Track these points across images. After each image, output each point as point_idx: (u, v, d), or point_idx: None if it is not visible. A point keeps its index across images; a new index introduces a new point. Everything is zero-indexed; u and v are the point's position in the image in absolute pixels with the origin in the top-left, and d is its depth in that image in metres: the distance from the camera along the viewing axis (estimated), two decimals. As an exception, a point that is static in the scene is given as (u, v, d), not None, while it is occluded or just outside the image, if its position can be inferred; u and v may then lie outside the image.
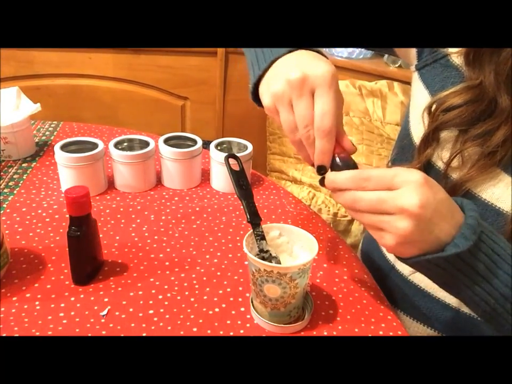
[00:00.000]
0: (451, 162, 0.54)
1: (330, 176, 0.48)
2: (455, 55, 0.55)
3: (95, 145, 0.77)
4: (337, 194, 0.48)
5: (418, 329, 0.65)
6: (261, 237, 0.54)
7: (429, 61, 0.59)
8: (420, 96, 0.60)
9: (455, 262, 0.44)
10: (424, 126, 0.57)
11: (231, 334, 0.52)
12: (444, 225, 0.44)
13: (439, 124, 0.55)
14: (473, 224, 0.44)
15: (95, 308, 0.54)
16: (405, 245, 0.45)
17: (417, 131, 0.59)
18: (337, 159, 0.48)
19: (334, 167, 0.49)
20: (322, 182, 0.49)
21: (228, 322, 0.54)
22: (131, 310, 0.54)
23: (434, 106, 0.55)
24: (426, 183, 0.43)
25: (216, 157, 0.78)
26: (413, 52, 0.61)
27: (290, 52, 0.52)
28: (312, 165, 0.51)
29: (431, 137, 0.56)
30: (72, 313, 0.53)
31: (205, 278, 0.60)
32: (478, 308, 0.48)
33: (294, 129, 0.49)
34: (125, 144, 0.82)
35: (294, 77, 0.47)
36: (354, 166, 0.48)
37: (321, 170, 0.49)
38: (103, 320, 0.52)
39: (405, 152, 0.61)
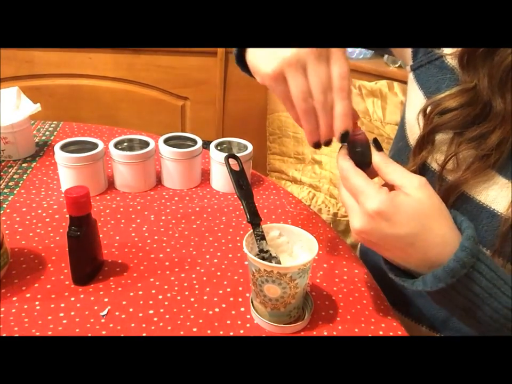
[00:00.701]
0: (446, 164, 0.54)
1: (339, 154, 0.50)
2: (450, 56, 0.55)
3: (95, 145, 0.77)
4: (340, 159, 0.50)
5: (417, 330, 0.65)
6: (261, 237, 0.54)
7: (424, 62, 0.59)
8: (415, 97, 0.60)
9: (429, 294, 0.47)
10: (419, 128, 0.57)
11: (231, 334, 0.52)
12: (401, 254, 0.47)
13: (434, 127, 0.55)
14: (454, 267, 0.44)
15: (95, 308, 0.54)
16: (362, 241, 0.49)
17: (413, 133, 0.59)
18: (352, 138, 0.49)
19: (348, 146, 0.50)
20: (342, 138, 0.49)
21: (228, 322, 0.54)
22: (131, 310, 0.54)
23: (429, 109, 0.55)
24: (379, 214, 0.45)
25: (216, 157, 0.78)
26: (408, 52, 0.61)
27: None
28: (316, 142, 0.50)
29: (426, 140, 0.56)
30: (72, 313, 0.53)
31: (205, 278, 0.60)
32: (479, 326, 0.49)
33: (308, 96, 0.47)
34: (125, 144, 0.82)
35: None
36: (367, 148, 0.49)
37: (345, 137, 0.48)
38: (103, 320, 0.52)
39: (401, 154, 0.62)
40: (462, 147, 0.53)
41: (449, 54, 0.55)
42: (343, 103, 0.47)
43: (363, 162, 0.48)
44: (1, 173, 0.81)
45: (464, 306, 0.46)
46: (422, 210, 0.45)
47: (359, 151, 0.49)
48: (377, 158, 0.49)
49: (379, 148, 0.49)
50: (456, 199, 0.54)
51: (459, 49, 0.53)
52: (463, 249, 0.44)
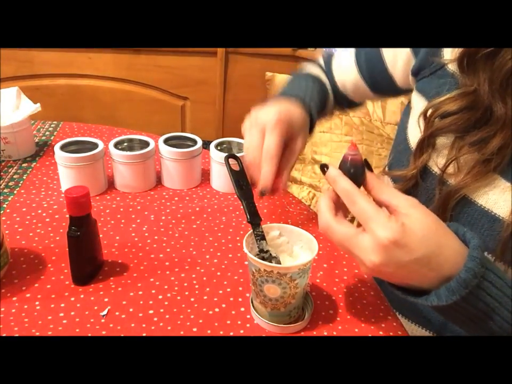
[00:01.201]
0: (446, 168, 0.54)
1: (334, 173, 0.49)
2: (451, 63, 0.55)
3: (95, 145, 0.77)
4: (321, 196, 0.49)
5: (416, 331, 0.65)
6: (261, 237, 0.54)
7: (427, 74, 0.60)
8: (417, 102, 0.61)
9: (441, 309, 0.45)
10: (420, 131, 0.57)
11: (231, 334, 0.52)
12: (418, 277, 0.45)
13: (434, 130, 0.55)
14: (467, 278, 0.43)
15: (95, 308, 0.54)
16: (376, 276, 0.47)
17: (414, 136, 0.59)
18: (349, 158, 0.49)
19: (342, 165, 0.49)
20: (322, 170, 0.50)
21: (228, 322, 0.54)
22: (131, 310, 0.54)
23: (429, 112, 0.55)
24: (395, 243, 0.42)
25: (216, 157, 0.78)
26: (410, 78, 0.64)
27: (281, 95, 0.70)
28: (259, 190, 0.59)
29: (427, 143, 0.56)
30: (72, 313, 0.53)
31: (205, 278, 0.60)
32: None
33: (248, 152, 0.62)
34: (125, 144, 0.82)
35: (253, 115, 0.64)
36: (362, 169, 0.49)
37: (262, 194, 0.59)
38: (103, 320, 0.52)
39: (401, 157, 0.62)
40: (463, 151, 0.53)
41: (450, 60, 0.55)
42: (263, 168, 0.58)
43: (356, 183, 0.48)
44: (1, 173, 0.81)
45: (475, 318, 0.45)
46: (429, 228, 0.44)
47: (353, 172, 0.48)
48: (370, 179, 0.48)
49: (370, 169, 0.49)
50: (457, 203, 0.54)
51: (459, 54, 0.53)
52: (473, 259, 0.43)
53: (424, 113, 0.56)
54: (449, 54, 0.56)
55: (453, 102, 0.53)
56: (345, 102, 0.80)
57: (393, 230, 0.43)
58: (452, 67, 0.56)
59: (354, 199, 0.46)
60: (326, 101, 0.78)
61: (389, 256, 0.43)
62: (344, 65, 0.77)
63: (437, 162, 0.56)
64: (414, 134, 0.59)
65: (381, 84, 0.70)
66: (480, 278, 0.43)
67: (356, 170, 0.48)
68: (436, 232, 0.45)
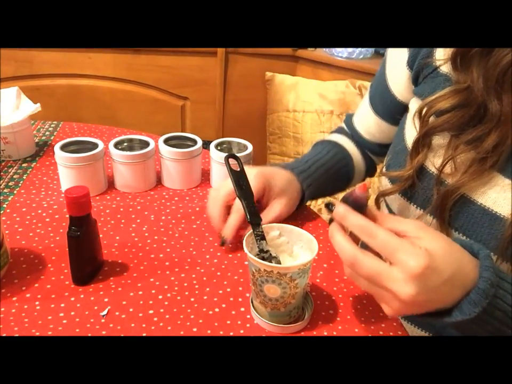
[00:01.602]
0: (443, 168, 0.54)
1: (342, 210, 0.47)
2: (444, 65, 0.56)
3: (95, 145, 0.77)
4: (337, 238, 0.47)
5: (416, 333, 0.65)
6: (261, 237, 0.54)
7: (421, 79, 0.60)
8: (413, 104, 0.62)
9: (465, 323, 0.44)
10: (416, 130, 0.57)
11: (231, 334, 0.52)
12: (448, 297, 0.44)
13: (429, 129, 0.55)
14: (486, 289, 0.42)
15: (95, 308, 0.54)
16: (403, 312, 0.45)
17: (411, 136, 0.59)
18: (358, 198, 0.48)
19: (346, 200, 0.48)
20: (328, 208, 0.49)
21: (228, 322, 0.54)
22: (131, 310, 0.54)
23: (424, 111, 0.55)
24: (428, 268, 0.41)
25: (216, 157, 0.78)
26: (411, 95, 0.64)
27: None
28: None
29: (422, 143, 0.56)
30: (72, 313, 0.53)
31: (205, 278, 0.60)
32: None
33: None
34: (125, 144, 0.82)
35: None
36: (364, 207, 0.48)
37: (223, 242, 0.63)
38: (103, 320, 0.52)
39: (398, 157, 0.61)
40: (459, 150, 0.53)
41: (442, 61, 0.56)
42: (228, 220, 0.63)
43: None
44: (1, 173, 0.81)
45: (492, 329, 0.44)
46: (445, 246, 0.44)
47: (357, 209, 0.47)
48: (369, 210, 0.48)
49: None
50: (456, 202, 0.54)
51: (452, 52, 0.53)
52: (487, 269, 0.43)
53: (419, 112, 0.56)
54: (441, 55, 0.56)
55: (445, 100, 0.53)
56: (378, 149, 0.78)
57: (423, 257, 0.42)
58: (445, 69, 0.56)
59: (374, 232, 0.44)
60: (342, 169, 0.77)
61: (424, 284, 0.42)
62: (362, 113, 0.77)
63: (433, 162, 0.56)
64: (411, 134, 0.60)
65: (398, 114, 0.68)
66: (496, 286, 0.43)
67: (360, 209, 0.48)
68: (451, 249, 0.45)
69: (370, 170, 0.84)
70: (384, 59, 0.70)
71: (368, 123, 0.75)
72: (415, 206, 0.59)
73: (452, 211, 0.54)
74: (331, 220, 0.49)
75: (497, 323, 0.44)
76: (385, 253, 0.44)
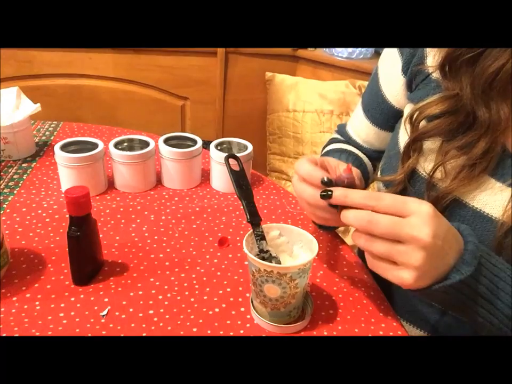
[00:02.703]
0: (433, 173, 0.55)
1: (341, 191, 0.48)
2: (435, 72, 0.56)
3: (95, 145, 0.77)
4: (348, 212, 0.47)
5: (414, 333, 0.65)
6: (261, 237, 0.54)
7: (414, 86, 0.61)
8: (406, 109, 0.62)
9: (459, 287, 0.45)
10: (408, 135, 0.58)
11: (231, 334, 0.52)
12: (452, 252, 0.45)
13: (419, 134, 0.56)
14: (473, 250, 0.45)
15: (95, 308, 0.54)
16: (421, 277, 0.45)
17: (403, 141, 0.60)
18: (345, 181, 0.50)
19: (338, 184, 0.50)
20: (326, 195, 0.49)
21: (228, 322, 0.54)
22: (131, 310, 0.54)
23: (415, 116, 0.56)
24: (435, 214, 0.44)
25: (216, 157, 0.78)
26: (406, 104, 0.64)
27: None
28: None
29: (413, 147, 0.57)
30: (72, 313, 0.53)
31: (205, 278, 0.60)
32: (483, 328, 0.49)
33: None
34: (125, 144, 0.82)
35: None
36: (354, 186, 0.50)
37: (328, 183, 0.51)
38: (103, 320, 0.52)
39: (392, 162, 0.62)
40: (449, 156, 0.53)
41: (433, 68, 0.56)
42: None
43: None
44: (1, 173, 0.81)
45: (481, 297, 0.46)
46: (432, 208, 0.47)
47: None
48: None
49: None
50: (448, 206, 0.55)
51: (441, 59, 0.54)
52: (470, 236, 0.46)
53: (410, 117, 0.57)
54: (432, 62, 0.57)
55: (435, 105, 0.54)
56: (376, 155, 0.77)
57: (428, 204, 0.45)
58: (436, 75, 0.57)
59: (380, 196, 0.46)
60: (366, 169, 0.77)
61: (437, 225, 0.44)
62: (359, 125, 0.75)
63: (424, 167, 0.57)
64: (403, 139, 0.60)
65: (396, 122, 0.68)
66: (480, 251, 0.46)
67: (352, 188, 0.50)
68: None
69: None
70: (375, 72, 0.70)
71: (366, 133, 0.74)
72: None
73: (444, 214, 0.54)
74: (324, 196, 0.50)
75: (484, 291, 0.46)
76: (397, 207, 0.45)
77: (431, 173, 0.55)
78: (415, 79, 0.61)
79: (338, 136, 0.82)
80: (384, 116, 0.70)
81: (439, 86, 0.56)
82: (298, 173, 0.54)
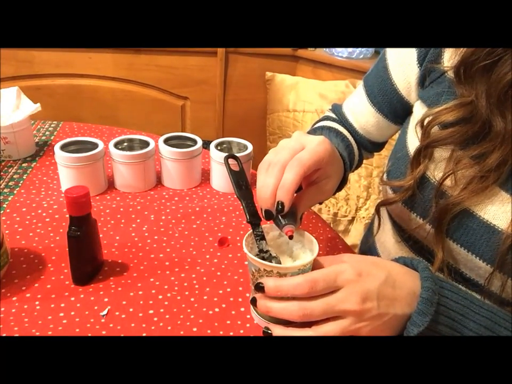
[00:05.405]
0: (443, 182, 0.53)
1: (272, 284, 0.47)
2: (450, 71, 0.54)
3: (95, 145, 0.77)
4: (277, 305, 0.47)
5: None
6: (260, 237, 0.54)
7: (427, 83, 0.59)
8: (417, 109, 0.60)
9: (423, 332, 0.45)
10: (418, 139, 0.56)
11: (231, 334, 0.52)
12: (403, 298, 0.46)
13: (431, 141, 0.54)
14: (429, 297, 0.44)
15: (95, 308, 0.54)
16: (374, 332, 0.46)
17: (412, 144, 0.59)
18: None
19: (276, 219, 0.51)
20: (254, 301, 0.49)
21: (228, 322, 0.54)
22: (131, 310, 0.54)
23: (426, 121, 0.54)
24: (366, 271, 0.46)
25: (216, 157, 0.78)
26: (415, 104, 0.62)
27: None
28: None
29: (424, 154, 0.55)
30: (72, 313, 0.53)
31: (205, 278, 0.60)
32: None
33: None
34: (125, 144, 0.82)
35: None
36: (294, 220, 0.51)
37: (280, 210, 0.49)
38: (103, 320, 0.52)
39: (399, 164, 0.61)
40: (460, 165, 0.52)
41: (449, 68, 0.55)
42: (285, 177, 0.48)
43: None
44: (1, 173, 0.81)
45: (450, 333, 0.46)
46: (368, 258, 0.49)
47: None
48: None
49: None
50: (457, 215, 0.53)
51: (456, 63, 0.52)
52: (426, 279, 0.46)
53: (421, 122, 0.55)
54: (448, 59, 0.55)
55: (450, 113, 0.52)
56: (369, 146, 0.75)
57: (351, 268, 0.46)
58: (451, 74, 0.54)
59: (311, 281, 0.45)
60: (352, 154, 0.73)
61: (369, 285, 0.45)
62: (360, 110, 0.72)
63: (434, 175, 0.55)
64: (413, 142, 0.59)
65: (402, 114, 0.67)
66: (438, 294, 0.45)
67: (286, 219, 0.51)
68: (376, 259, 0.49)
69: (359, 164, 0.79)
70: (382, 58, 0.67)
71: (366, 120, 0.71)
72: (415, 214, 0.59)
73: (452, 223, 0.54)
74: (253, 301, 0.49)
75: (449, 330, 0.45)
76: (330, 286, 0.45)
77: (441, 181, 0.53)
78: (429, 76, 0.58)
79: (332, 115, 0.78)
80: (391, 106, 0.67)
81: (452, 87, 0.54)
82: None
